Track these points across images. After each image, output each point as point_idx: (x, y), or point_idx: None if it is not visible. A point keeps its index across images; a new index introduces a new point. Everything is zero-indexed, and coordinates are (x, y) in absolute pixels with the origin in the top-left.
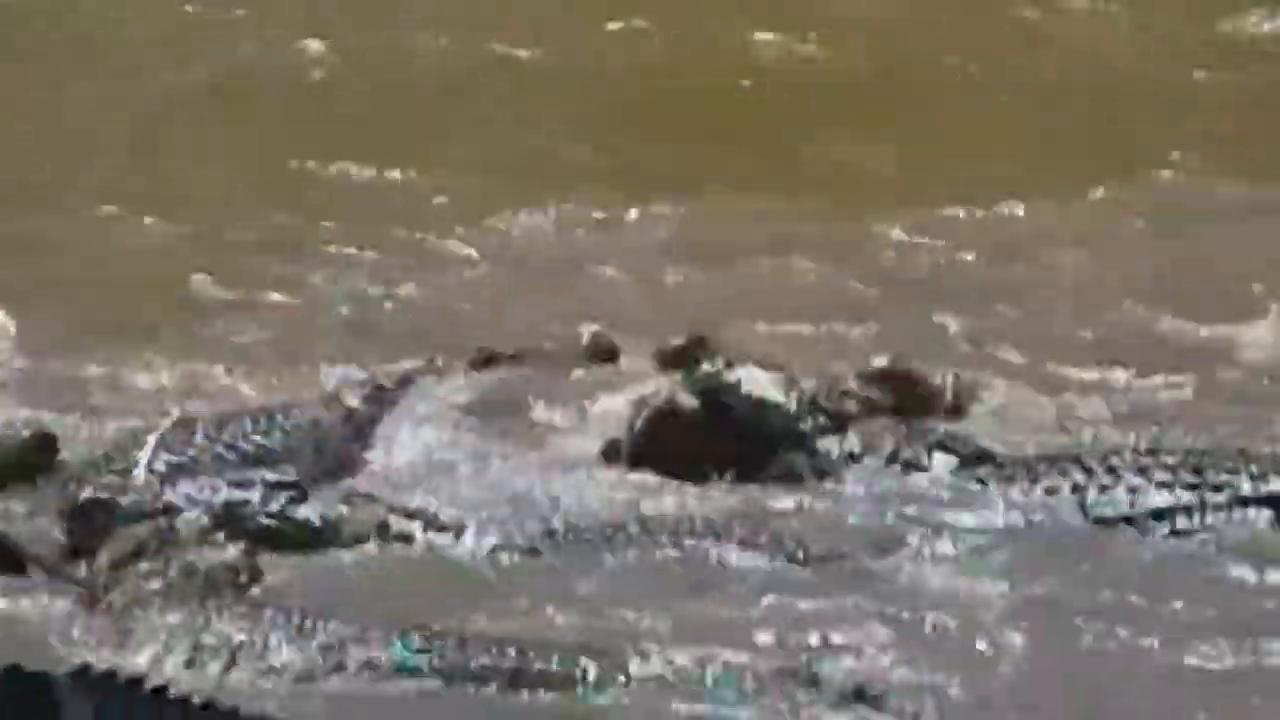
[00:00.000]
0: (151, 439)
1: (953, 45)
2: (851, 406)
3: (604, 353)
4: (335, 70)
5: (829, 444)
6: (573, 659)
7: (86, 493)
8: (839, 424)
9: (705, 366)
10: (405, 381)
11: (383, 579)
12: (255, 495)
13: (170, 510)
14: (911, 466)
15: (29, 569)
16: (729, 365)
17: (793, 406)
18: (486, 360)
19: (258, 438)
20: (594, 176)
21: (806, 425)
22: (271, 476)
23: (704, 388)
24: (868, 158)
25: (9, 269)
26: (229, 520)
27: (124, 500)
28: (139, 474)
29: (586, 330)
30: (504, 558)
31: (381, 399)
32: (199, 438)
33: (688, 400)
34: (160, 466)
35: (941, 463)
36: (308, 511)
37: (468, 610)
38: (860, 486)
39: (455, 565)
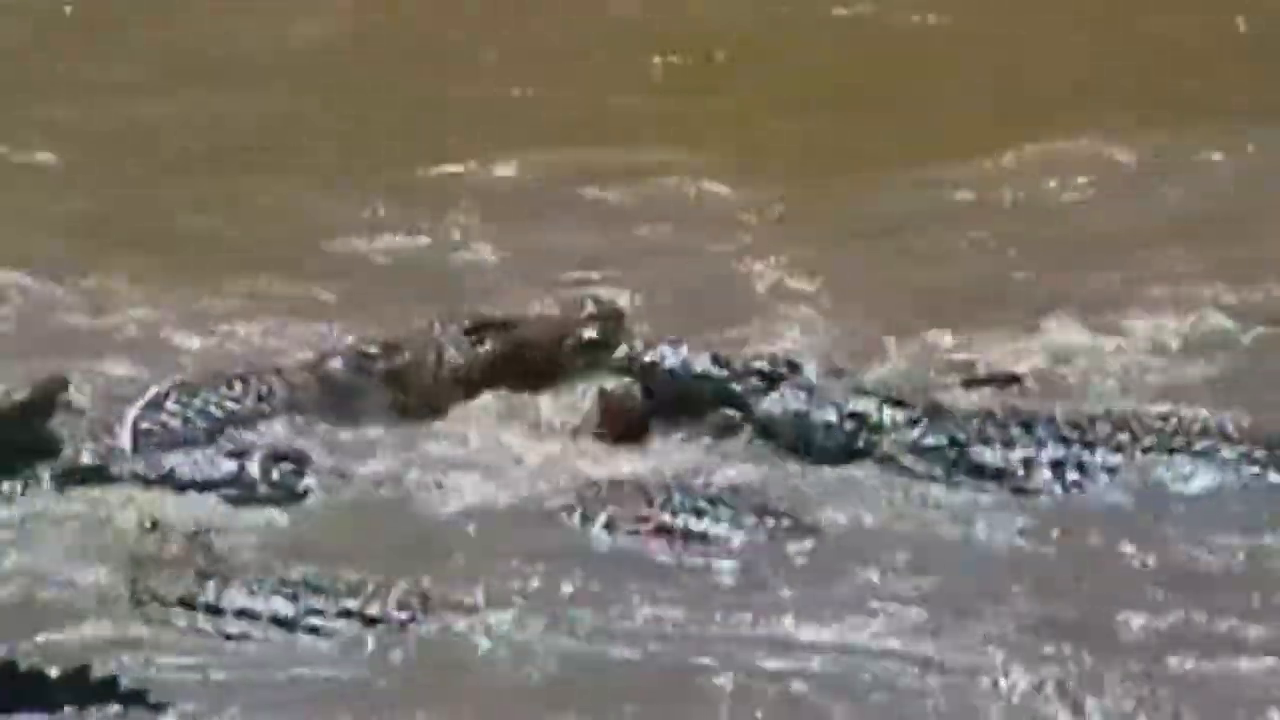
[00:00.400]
0: (136, 404)
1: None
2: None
3: (610, 318)
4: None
5: (768, 402)
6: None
7: (85, 458)
8: (771, 383)
9: (623, 350)
10: (391, 349)
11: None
12: (255, 466)
13: (168, 478)
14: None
15: None
16: (647, 346)
17: (722, 372)
18: (481, 327)
19: (230, 404)
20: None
21: (741, 386)
22: (268, 446)
23: (622, 369)
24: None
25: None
26: (229, 491)
27: (115, 468)
28: (124, 440)
29: (589, 299)
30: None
31: (366, 367)
32: (171, 403)
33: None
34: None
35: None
36: (307, 482)
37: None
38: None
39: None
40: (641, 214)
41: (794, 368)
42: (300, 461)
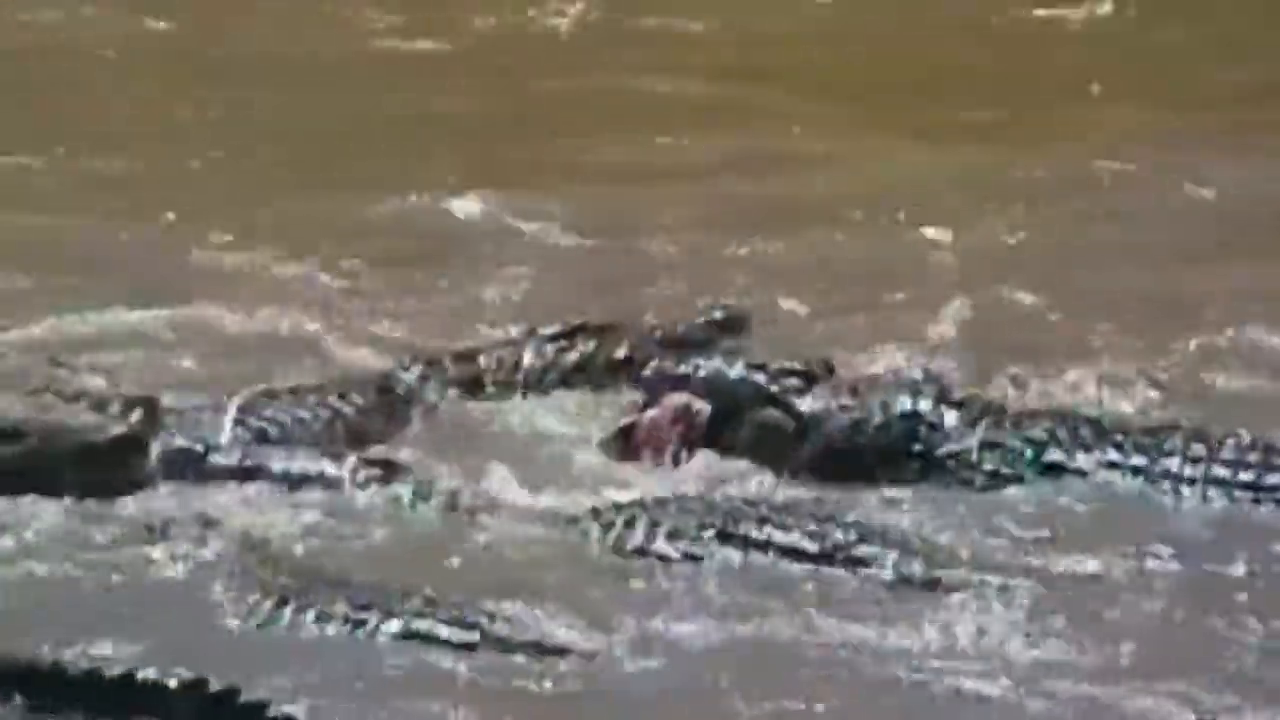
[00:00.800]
0: (233, 403)
1: None
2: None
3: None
4: None
5: (803, 402)
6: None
7: (179, 442)
8: (809, 383)
9: (648, 370)
10: (463, 358)
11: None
12: (347, 472)
13: (256, 474)
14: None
15: None
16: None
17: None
18: (575, 331)
19: (270, 413)
20: None
21: (776, 388)
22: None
23: (652, 387)
24: None
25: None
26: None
27: (211, 460)
28: (225, 437)
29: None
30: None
31: (434, 376)
32: (258, 409)
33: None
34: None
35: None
36: (395, 490)
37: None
38: None
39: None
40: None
41: (830, 370)
42: (389, 470)
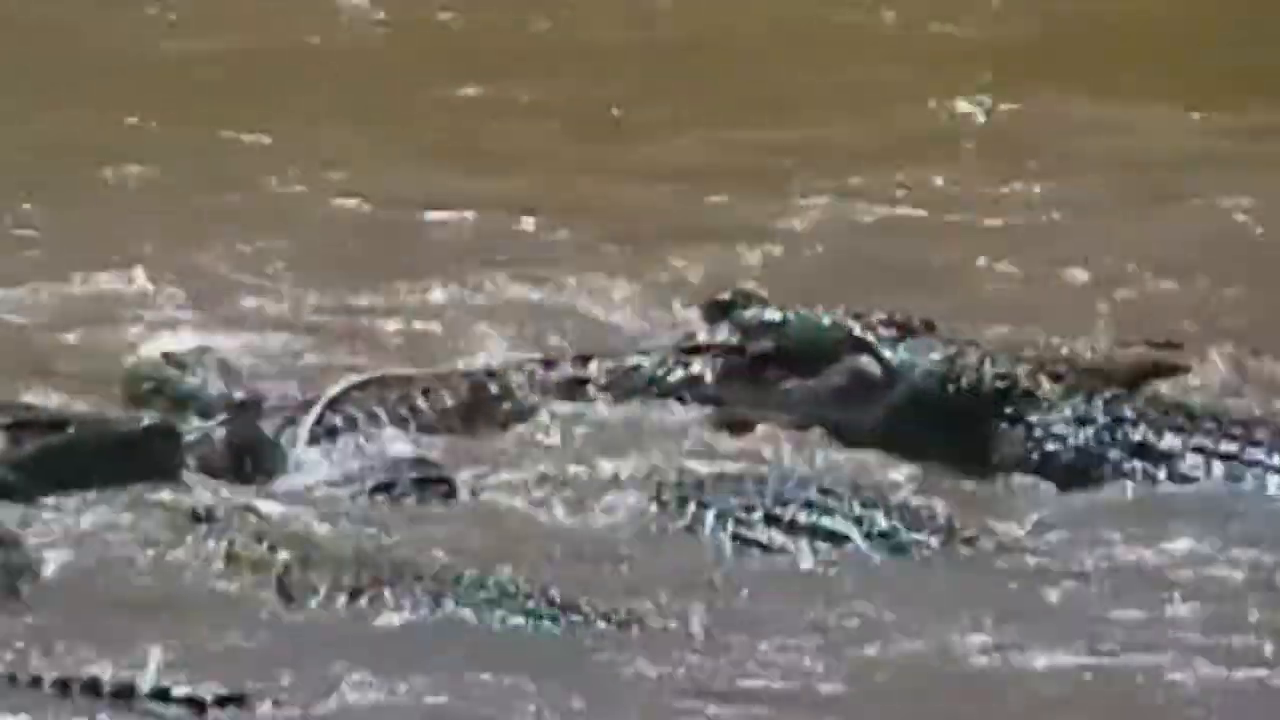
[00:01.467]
0: (319, 405)
1: None
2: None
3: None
4: None
5: (896, 352)
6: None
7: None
8: (901, 334)
9: (746, 312)
10: (549, 364)
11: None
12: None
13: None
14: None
15: None
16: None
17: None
18: (692, 350)
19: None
20: None
21: (868, 335)
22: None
23: (746, 329)
24: None
25: None
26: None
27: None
28: (301, 447)
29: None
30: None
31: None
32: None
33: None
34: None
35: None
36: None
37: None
38: None
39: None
40: None
41: (930, 327)
42: (451, 485)
